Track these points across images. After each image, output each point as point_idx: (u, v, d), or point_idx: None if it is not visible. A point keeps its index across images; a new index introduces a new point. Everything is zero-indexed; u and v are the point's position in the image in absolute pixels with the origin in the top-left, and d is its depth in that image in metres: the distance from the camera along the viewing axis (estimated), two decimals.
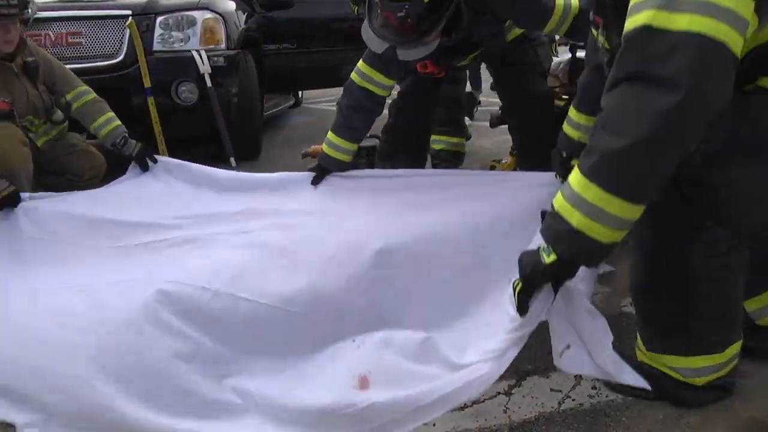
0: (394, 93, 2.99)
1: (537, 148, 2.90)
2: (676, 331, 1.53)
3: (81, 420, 1.52)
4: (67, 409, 1.53)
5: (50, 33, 3.80)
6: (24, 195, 2.49)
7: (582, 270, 1.41)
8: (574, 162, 1.54)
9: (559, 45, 3.48)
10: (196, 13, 4.02)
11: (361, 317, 1.82)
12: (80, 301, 1.78)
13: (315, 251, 1.99)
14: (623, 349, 1.82)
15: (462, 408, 1.56)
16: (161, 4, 4.02)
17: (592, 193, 1.20)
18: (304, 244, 2.05)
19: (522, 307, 1.38)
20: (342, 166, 2.57)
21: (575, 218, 1.23)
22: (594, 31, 1.76)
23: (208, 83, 3.83)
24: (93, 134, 3.18)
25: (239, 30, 4.33)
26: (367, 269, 1.91)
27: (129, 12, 3.87)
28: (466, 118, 5.49)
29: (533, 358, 1.76)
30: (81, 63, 3.68)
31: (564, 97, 2.92)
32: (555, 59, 2.98)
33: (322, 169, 2.56)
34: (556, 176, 2.24)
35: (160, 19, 3.93)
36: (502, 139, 5.12)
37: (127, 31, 3.80)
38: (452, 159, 3.84)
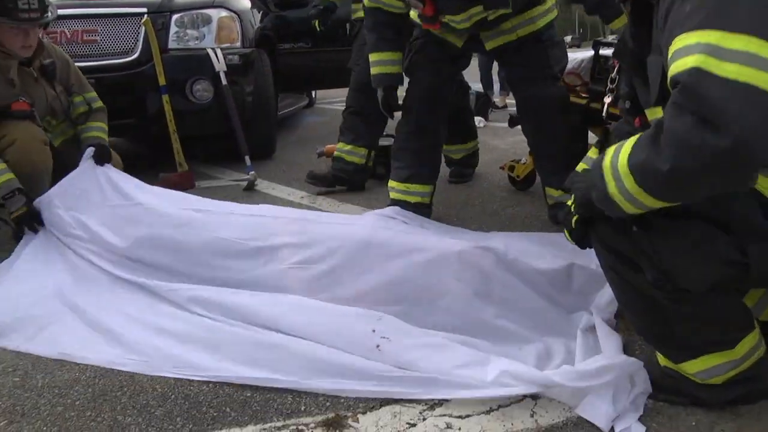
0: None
1: (550, 152, 2.85)
2: (667, 340, 1.52)
3: None
4: None
5: (66, 30, 3.81)
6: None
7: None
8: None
9: (569, 47, 3.43)
10: (211, 11, 4.01)
11: None
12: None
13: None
14: (651, 353, 1.80)
15: (488, 411, 1.52)
16: (177, 3, 4.01)
17: (630, 182, 1.25)
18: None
19: (578, 237, 1.52)
20: (395, 79, 2.86)
21: (611, 187, 1.30)
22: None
23: (223, 81, 3.81)
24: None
25: (254, 28, 4.31)
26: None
27: (144, 10, 3.86)
28: (481, 119, 5.45)
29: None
30: (96, 61, 3.67)
31: (584, 95, 2.87)
32: (576, 56, 2.92)
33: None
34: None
35: (175, 17, 3.92)
36: (516, 139, 5.09)
37: (143, 29, 3.79)
38: (470, 162, 3.82)
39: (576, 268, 2.07)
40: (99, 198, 2.62)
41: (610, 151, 1.33)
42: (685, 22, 1.17)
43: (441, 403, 1.56)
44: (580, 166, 1.94)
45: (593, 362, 1.54)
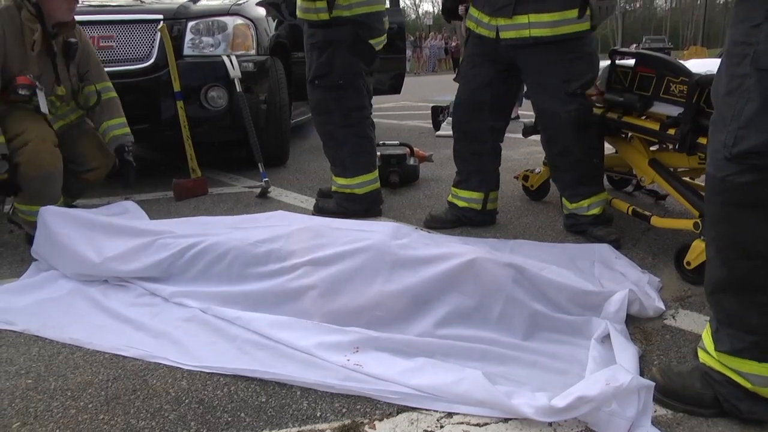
0: None
1: (563, 166, 2.84)
2: (758, 333, 1.44)
3: None
4: None
5: None
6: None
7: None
8: None
9: None
10: (227, 19, 4.02)
11: None
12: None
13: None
14: (669, 362, 1.77)
15: (506, 420, 1.50)
16: (193, 10, 4.02)
17: None
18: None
19: None
20: None
21: None
22: None
23: (238, 88, 3.81)
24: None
25: (269, 36, 4.32)
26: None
27: (160, 16, 3.88)
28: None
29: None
30: (112, 66, 3.67)
31: (600, 105, 2.85)
32: None
33: None
34: None
35: (191, 24, 3.93)
36: (530, 150, 5.08)
37: (158, 36, 3.80)
38: None
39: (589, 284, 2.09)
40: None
41: None
42: None
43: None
44: None
45: (571, 393, 1.46)
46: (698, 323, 2.00)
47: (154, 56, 3.84)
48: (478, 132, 2.93)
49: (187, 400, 1.63)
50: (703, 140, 2.26)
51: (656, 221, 2.58)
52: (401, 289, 1.97)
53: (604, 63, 2.83)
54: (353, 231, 2.29)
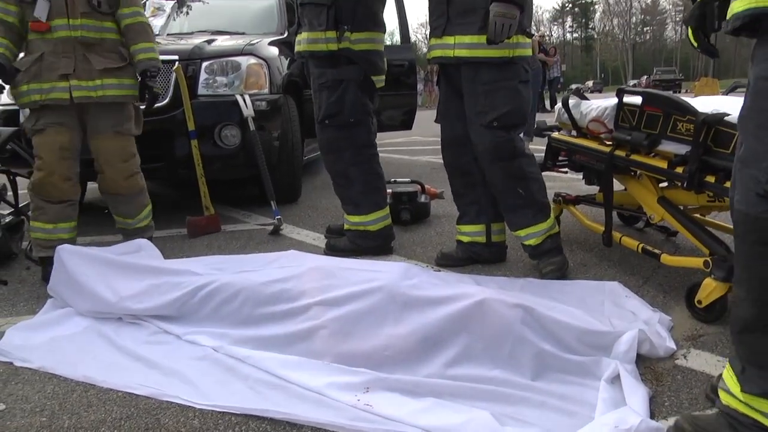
0: None
1: (494, 193, 2.90)
2: None
3: None
4: None
5: None
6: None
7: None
8: None
9: (591, 91, 3.44)
10: (240, 59, 4.11)
11: None
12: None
13: None
14: (681, 403, 1.76)
15: None
16: (207, 50, 4.13)
17: None
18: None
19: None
20: None
21: None
22: None
23: (251, 127, 3.87)
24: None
25: (282, 75, 4.41)
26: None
27: (176, 57, 3.98)
28: None
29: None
30: None
31: (608, 143, 2.88)
32: (601, 104, 2.93)
33: None
34: None
35: (205, 64, 4.03)
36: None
37: (173, 76, 3.89)
38: None
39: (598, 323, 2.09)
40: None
41: None
42: None
43: None
44: None
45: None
46: (710, 363, 1.99)
47: (169, 96, 3.93)
48: (466, 165, 2.96)
49: None
50: (710, 178, 2.27)
51: (666, 259, 2.57)
52: (411, 331, 1.99)
53: (612, 101, 2.86)
54: (363, 271, 2.31)
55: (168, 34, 5.24)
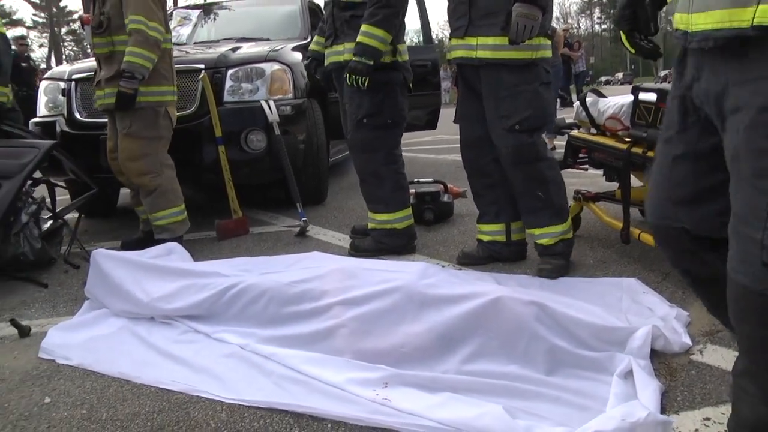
0: None
1: (514, 192, 2.93)
2: None
3: None
4: None
5: None
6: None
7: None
8: None
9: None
10: (264, 65, 4.21)
11: None
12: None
13: None
14: (693, 398, 1.78)
15: None
16: (232, 58, 4.23)
17: None
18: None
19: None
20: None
21: None
22: None
23: (276, 131, 3.97)
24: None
25: (305, 79, 4.49)
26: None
27: (202, 66, 4.09)
28: None
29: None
30: None
31: (626, 140, 2.91)
32: (618, 101, 2.96)
33: None
34: None
35: (230, 71, 4.14)
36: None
37: (200, 84, 4.01)
38: None
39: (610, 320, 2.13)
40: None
41: None
42: None
43: None
44: None
45: (588, 429, 1.53)
46: (726, 359, 2.01)
47: (196, 103, 4.04)
48: (485, 166, 3.00)
49: (226, 431, 1.74)
50: None
51: None
52: (428, 328, 2.06)
53: (628, 98, 2.89)
54: (383, 272, 2.39)
55: (195, 43, 5.39)
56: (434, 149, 8.62)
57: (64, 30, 51.95)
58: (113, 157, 3.49)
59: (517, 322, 2.02)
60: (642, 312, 2.32)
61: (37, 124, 4.39)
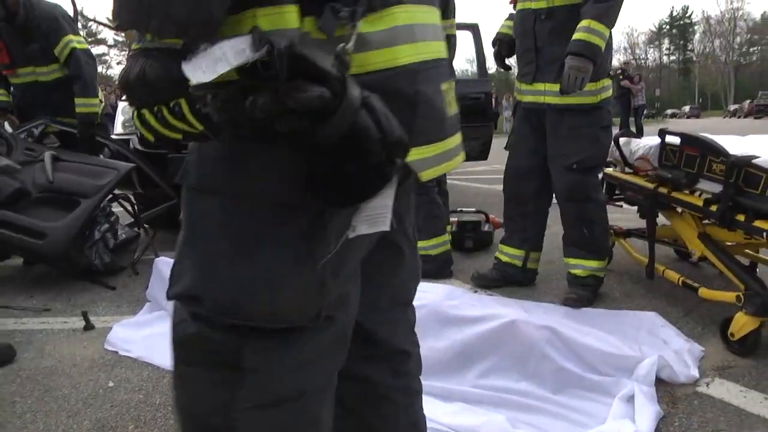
0: None
1: (563, 223, 3.08)
2: None
3: None
4: None
5: None
6: None
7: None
8: None
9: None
10: None
11: None
12: None
13: None
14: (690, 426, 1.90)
15: None
16: None
17: None
18: None
19: None
20: None
21: None
22: None
23: None
24: None
25: None
26: None
27: None
28: None
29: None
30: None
31: (654, 180, 3.03)
32: (647, 143, 3.10)
33: None
34: None
35: None
36: None
37: None
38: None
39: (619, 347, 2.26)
40: None
41: None
42: None
43: None
44: None
45: None
46: (732, 392, 2.10)
47: None
48: (523, 196, 3.18)
49: None
50: (741, 217, 2.41)
51: (704, 293, 2.68)
52: (448, 345, 2.24)
53: (657, 140, 3.02)
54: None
55: None
56: (486, 179, 8.71)
57: None
58: None
59: (530, 343, 2.20)
60: (656, 344, 2.43)
61: (113, 141, 4.79)
